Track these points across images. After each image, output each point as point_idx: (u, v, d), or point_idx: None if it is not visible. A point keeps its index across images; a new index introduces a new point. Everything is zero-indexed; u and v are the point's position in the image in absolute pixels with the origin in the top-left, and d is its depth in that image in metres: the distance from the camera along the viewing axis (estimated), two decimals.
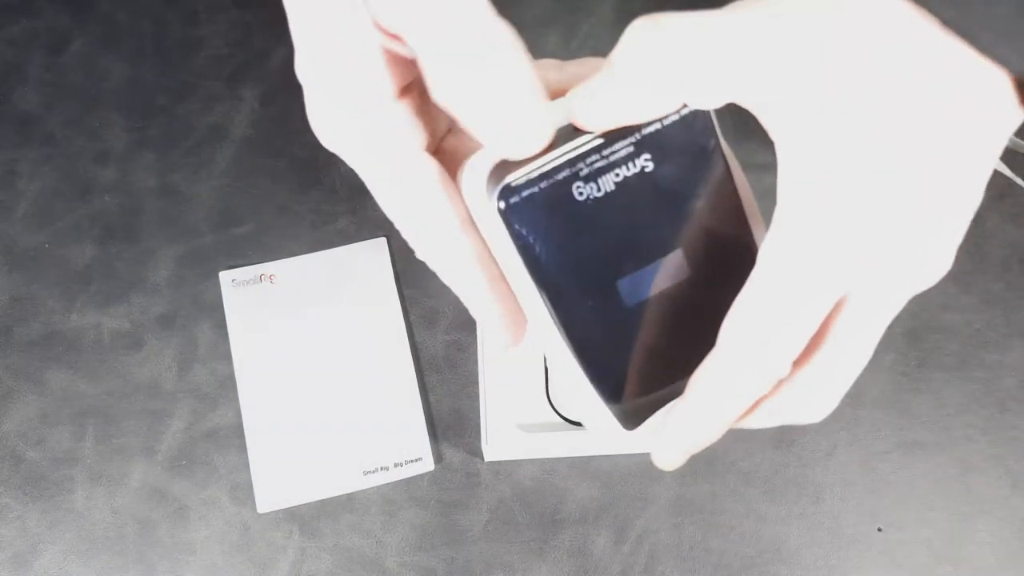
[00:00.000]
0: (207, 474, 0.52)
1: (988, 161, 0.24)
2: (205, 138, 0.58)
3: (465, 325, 0.55)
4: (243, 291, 0.55)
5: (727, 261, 0.27)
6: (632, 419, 0.26)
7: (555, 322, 0.25)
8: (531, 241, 0.25)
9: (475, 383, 0.49)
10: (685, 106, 0.25)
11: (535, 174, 0.24)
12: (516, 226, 0.25)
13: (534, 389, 0.51)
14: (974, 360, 0.55)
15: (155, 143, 0.58)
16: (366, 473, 0.52)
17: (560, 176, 0.25)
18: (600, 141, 0.25)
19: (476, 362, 0.48)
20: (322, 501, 0.52)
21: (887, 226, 0.24)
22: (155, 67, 0.59)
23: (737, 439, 0.54)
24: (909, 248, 0.25)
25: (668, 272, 0.26)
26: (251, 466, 0.52)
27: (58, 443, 0.53)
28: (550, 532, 0.52)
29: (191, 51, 0.59)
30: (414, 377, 0.54)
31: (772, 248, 0.24)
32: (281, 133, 0.58)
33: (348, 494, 0.52)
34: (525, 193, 0.24)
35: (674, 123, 0.26)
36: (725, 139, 0.27)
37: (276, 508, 0.52)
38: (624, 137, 0.25)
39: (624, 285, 0.26)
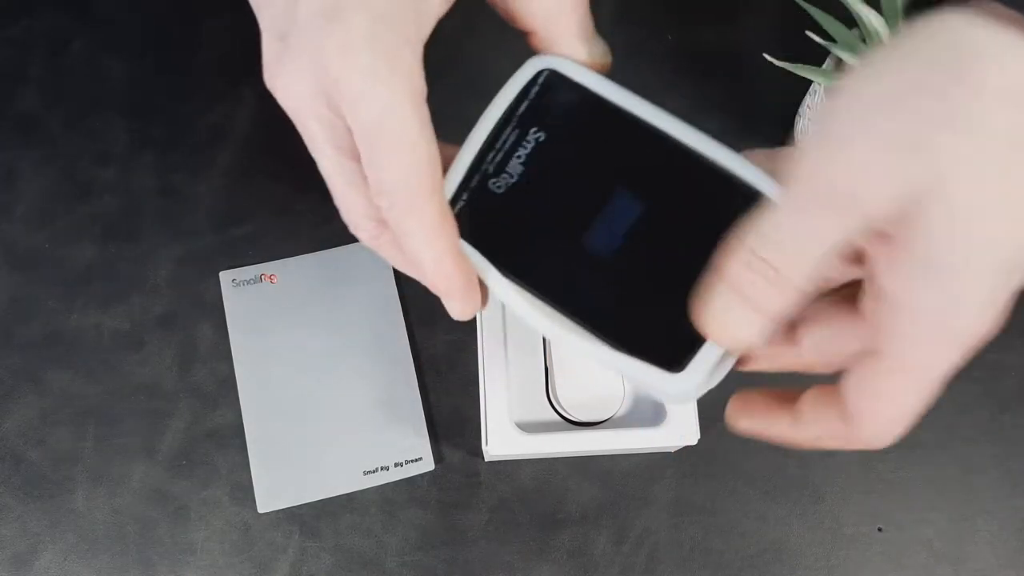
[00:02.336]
0: (207, 474, 0.52)
1: None
2: (205, 138, 0.58)
3: (465, 325, 0.55)
4: (243, 291, 0.55)
5: (668, 177, 0.27)
6: (673, 362, 0.25)
7: (557, 312, 0.26)
8: (492, 247, 0.27)
9: (475, 383, 0.49)
10: (541, 72, 0.28)
11: (451, 195, 0.28)
12: (473, 242, 0.27)
13: (534, 389, 0.51)
14: (974, 360, 0.55)
15: (155, 143, 0.58)
16: (366, 473, 0.52)
17: (473, 183, 0.27)
18: (485, 138, 0.28)
19: (476, 362, 0.48)
20: (322, 501, 0.52)
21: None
22: (155, 67, 0.59)
23: (737, 439, 0.54)
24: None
25: (623, 211, 0.27)
26: (251, 466, 0.52)
27: (58, 443, 0.53)
28: (550, 532, 0.52)
29: (191, 51, 0.59)
30: (414, 377, 0.54)
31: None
32: (281, 133, 0.57)
33: (348, 494, 0.52)
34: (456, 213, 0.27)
35: (538, 91, 0.28)
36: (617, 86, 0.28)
37: (276, 508, 0.52)
38: (505, 126, 0.27)
39: (592, 243, 0.26)
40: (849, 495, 0.53)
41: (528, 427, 0.48)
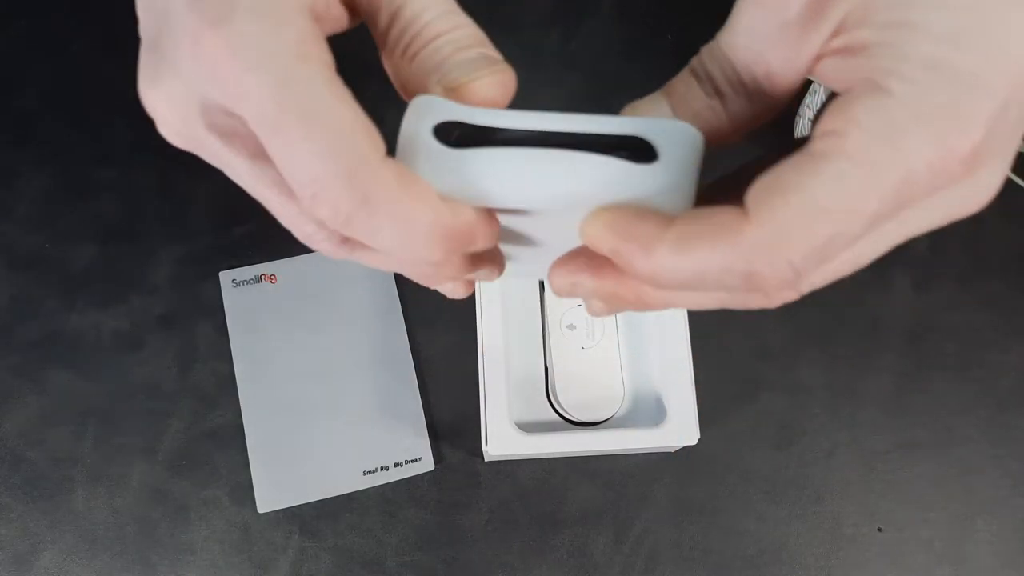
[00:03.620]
0: (207, 474, 0.52)
1: None
2: None
3: (465, 325, 0.55)
4: (243, 291, 0.55)
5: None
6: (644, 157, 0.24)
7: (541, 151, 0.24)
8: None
9: (475, 383, 0.49)
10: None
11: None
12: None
13: (534, 389, 0.51)
14: (974, 360, 0.55)
15: (155, 143, 0.57)
16: (366, 473, 0.52)
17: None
18: None
19: (476, 362, 0.48)
20: (322, 501, 0.52)
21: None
22: None
23: (737, 439, 0.54)
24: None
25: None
26: (251, 466, 0.52)
27: (58, 443, 0.53)
28: (550, 532, 0.52)
29: None
30: (414, 377, 0.54)
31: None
32: None
33: (348, 494, 0.52)
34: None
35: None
36: None
37: (276, 508, 0.52)
38: None
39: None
40: (849, 495, 0.53)
41: (528, 427, 0.48)
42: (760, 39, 0.23)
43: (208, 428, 0.53)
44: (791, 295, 0.23)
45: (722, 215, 0.22)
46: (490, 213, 0.25)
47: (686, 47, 0.67)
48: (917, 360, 0.55)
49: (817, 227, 0.21)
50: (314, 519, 0.52)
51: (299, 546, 0.51)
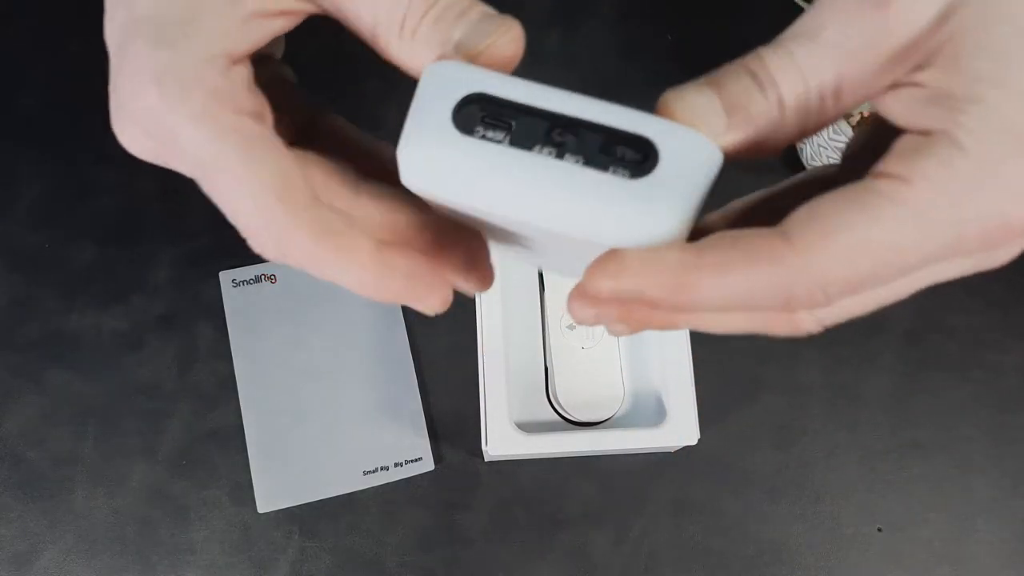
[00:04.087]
0: (207, 474, 0.52)
1: None
2: None
3: (465, 325, 0.55)
4: (243, 291, 0.55)
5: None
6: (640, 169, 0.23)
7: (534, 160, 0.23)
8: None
9: (475, 383, 0.49)
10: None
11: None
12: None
13: (534, 389, 0.51)
14: (974, 360, 0.55)
15: None
16: (366, 473, 0.52)
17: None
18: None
19: (476, 362, 0.48)
20: (322, 501, 0.52)
21: None
22: None
23: (737, 439, 0.54)
24: None
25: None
26: (251, 466, 0.52)
27: (58, 443, 0.53)
28: (550, 532, 0.52)
29: None
30: (414, 377, 0.54)
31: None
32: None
33: (348, 494, 0.52)
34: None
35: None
36: None
37: (276, 508, 0.52)
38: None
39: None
40: (849, 495, 0.53)
41: (528, 427, 0.48)
42: (845, 56, 0.22)
43: (208, 428, 0.53)
44: (815, 327, 0.23)
45: (760, 239, 0.21)
46: (435, 270, 0.25)
47: (686, 47, 0.67)
48: (917, 360, 0.55)
49: (860, 264, 0.21)
50: (314, 519, 0.52)
51: (299, 546, 0.51)
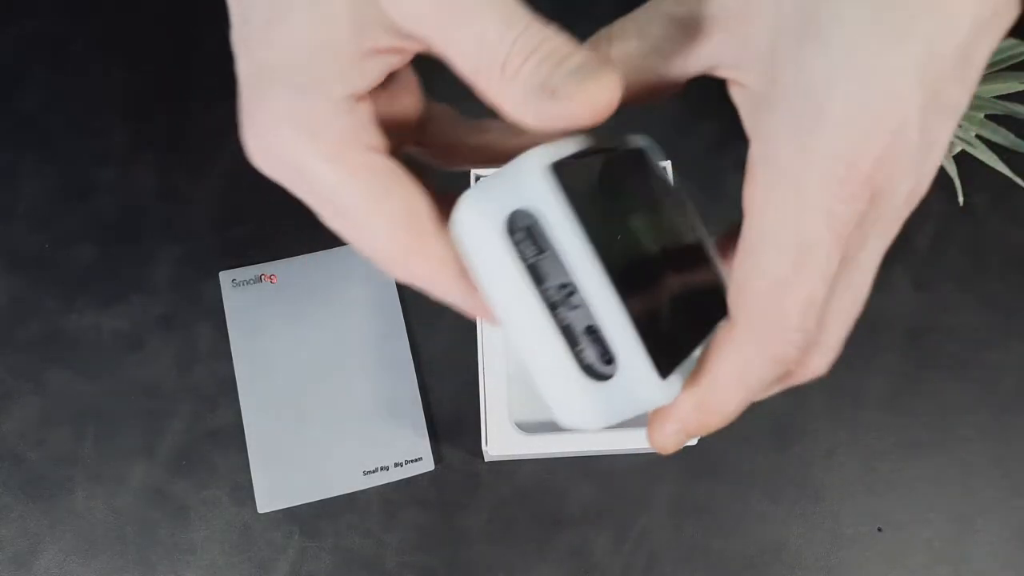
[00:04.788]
0: (207, 474, 0.52)
1: (984, 52, 0.23)
2: (205, 138, 0.58)
3: (465, 325, 0.55)
4: (243, 291, 0.55)
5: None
6: (663, 366, 0.25)
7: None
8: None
9: (475, 383, 0.49)
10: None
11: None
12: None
13: (534, 389, 0.51)
14: (974, 360, 0.55)
15: (155, 143, 0.58)
16: (366, 473, 0.52)
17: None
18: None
19: (476, 362, 0.48)
20: (322, 501, 0.52)
21: (897, 130, 0.22)
22: (155, 67, 0.59)
23: (737, 439, 0.54)
24: (916, 155, 0.22)
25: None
26: (251, 466, 0.52)
27: (58, 443, 0.53)
28: (550, 532, 0.52)
29: (191, 51, 0.59)
30: (414, 377, 0.54)
31: (769, 200, 0.23)
32: None
33: (348, 494, 0.52)
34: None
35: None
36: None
37: (276, 508, 0.52)
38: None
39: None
40: (849, 495, 0.53)
41: (528, 427, 0.48)
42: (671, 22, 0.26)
43: (208, 428, 0.53)
44: (824, 366, 0.26)
45: (718, 340, 0.24)
46: None
47: None
48: (917, 360, 0.55)
49: (787, 303, 0.23)
50: (314, 519, 0.52)
51: (299, 546, 0.51)
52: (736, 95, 0.25)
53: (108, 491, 0.52)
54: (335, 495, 0.52)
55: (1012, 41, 0.49)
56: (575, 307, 0.24)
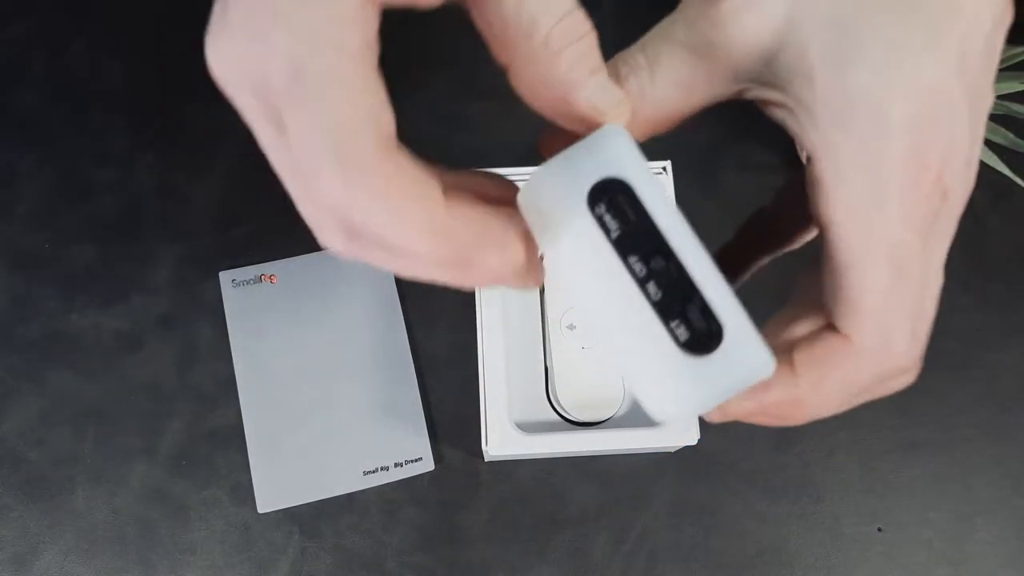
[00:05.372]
0: (207, 474, 0.52)
1: (1000, 44, 0.23)
2: (205, 138, 0.58)
3: (465, 325, 0.55)
4: (243, 291, 0.55)
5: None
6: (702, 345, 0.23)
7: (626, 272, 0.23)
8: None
9: (475, 383, 0.49)
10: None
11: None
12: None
13: (534, 389, 0.51)
14: (974, 360, 0.55)
15: (155, 143, 0.58)
16: (366, 473, 0.52)
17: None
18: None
19: (476, 362, 0.48)
20: (322, 501, 0.52)
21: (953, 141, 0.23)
22: (155, 67, 0.59)
23: (737, 439, 0.54)
24: (965, 161, 0.23)
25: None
26: (251, 466, 0.52)
27: (58, 443, 0.53)
28: (550, 532, 0.52)
29: (191, 51, 0.59)
30: (414, 377, 0.54)
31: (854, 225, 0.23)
32: None
33: (348, 494, 0.52)
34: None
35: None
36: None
37: (276, 508, 0.52)
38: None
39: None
40: (849, 495, 0.53)
41: (528, 427, 0.48)
42: (690, 53, 0.25)
43: (208, 428, 0.53)
44: (912, 376, 0.27)
45: (828, 349, 0.25)
46: (507, 226, 0.23)
47: None
48: None
49: (896, 318, 0.24)
50: (314, 519, 0.52)
51: (299, 546, 0.51)
52: (776, 114, 0.24)
53: (108, 491, 0.52)
54: (335, 495, 0.52)
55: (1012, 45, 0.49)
56: (665, 280, 0.22)
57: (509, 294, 0.51)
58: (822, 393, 0.25)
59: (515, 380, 0.50)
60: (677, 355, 0.22)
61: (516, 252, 0.23)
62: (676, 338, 0.22)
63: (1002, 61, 0.51)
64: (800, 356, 0.25)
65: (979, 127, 0.23)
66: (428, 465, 0.52)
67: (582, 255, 0.22)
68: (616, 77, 0.25)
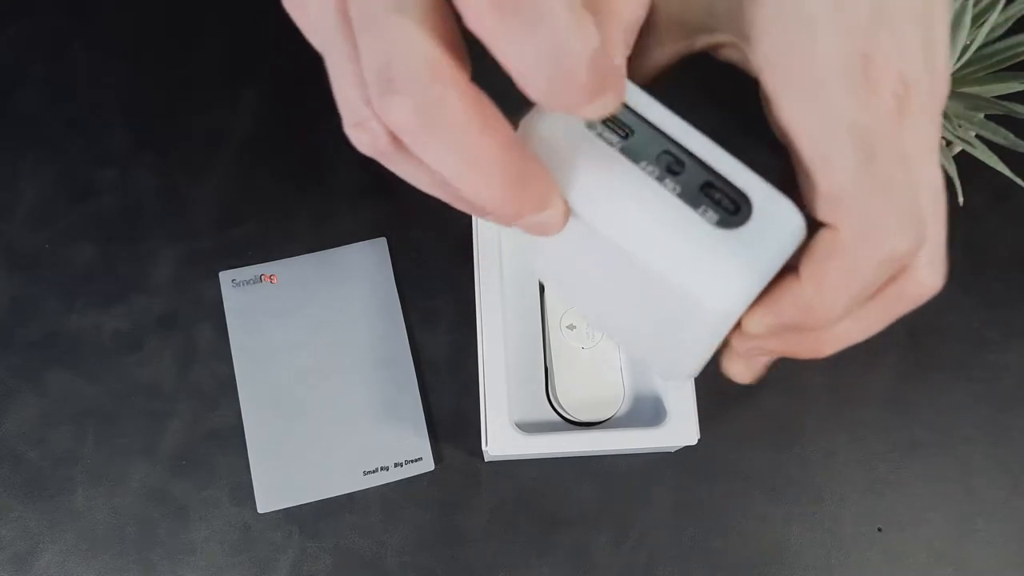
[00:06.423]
0: (207, 474, 0.52)
1: None
2: (205, 138, 0.58)
3: (465, 325, 0.55)
4: (243, 291, 0.55)
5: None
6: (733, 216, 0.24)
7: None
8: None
9: (475, 383, 0.49)
10: None
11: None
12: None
13: (534, 389, 0.51)
14: (974, 360, 0.55)
15: (155, 143, 0.58)
16: (366, 473, 0.52)
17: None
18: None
19: (476, 362, 0.48)
20: (322, 501, 0.52)
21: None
22: (155, 67, 0.59)
23: (737, 439, 0.54)
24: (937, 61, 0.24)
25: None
26: (251, 466, 0.52)
27: (58, 443, 0.53)
28: (550, 532, 0.52)
29: (191, 51, 0.59)
30: (414, 377, 0.54)
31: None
32: (281, 133, 0.58)
33: (348, 494, 0.52)
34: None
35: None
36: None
37: (276, 508, 0.52)
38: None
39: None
40: (849, 495, 0.53)
41: (528, 427, 0.48)
42: None
43: (208, 428, 0.53)
44: (934, 271, 0.28)
45: (821, 247, 0.25)
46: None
47: None
48: (917, 360, 0.55)
49: (877, 197, 0.24)
50: (314, 519, 0.52)
51: (299, 546, 0.51)
52: (726, 55, 0.26)
53: (108, 491, 0.52)
54: (335, 495, 0.52)
55: (1012, 40, 0.49)
56: (681, 172, 0.23)
57: (509, 294, 0.51)
58: (826, 292, 0.25)
59: (515, 380, 0.50)
60: (716, 234, 0.22)
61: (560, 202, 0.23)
62: (709, 220, 0.22)
63: (1002, 61, 0.51)
64: (802, 260, 0.25)
65: (938, 25, 0.24)
66: (428, 465, 0.52)
67: (595, 174, 0.22)
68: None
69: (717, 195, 0.23)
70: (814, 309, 0.25)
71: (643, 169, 0.23)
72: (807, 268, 0.25)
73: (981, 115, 0.52)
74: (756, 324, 0.26)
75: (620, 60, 0.23)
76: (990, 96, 0.51)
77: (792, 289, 0.25)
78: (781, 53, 0.23)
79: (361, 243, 0.56)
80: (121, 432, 0.53)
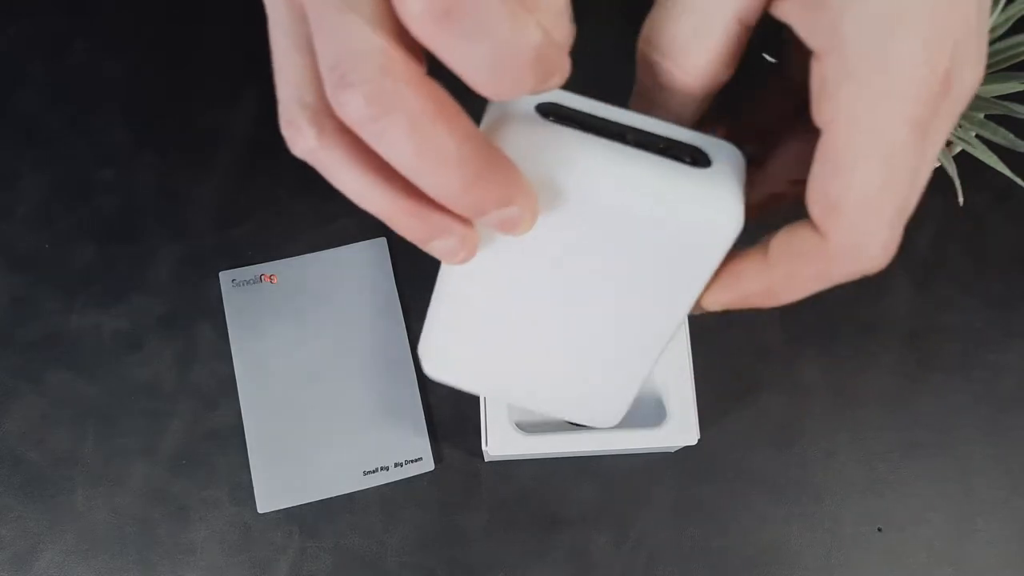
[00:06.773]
0: (207, 474, 0.52)
1: None
2: (205, 138, 0.58)
3: None
4: (243, 291, 0.55)
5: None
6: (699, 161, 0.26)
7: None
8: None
9: None
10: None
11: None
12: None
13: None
14: (974, 360, 0.55)
15: (155, 143, 0.58)
16: (366, 473, 0.52)
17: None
18: None
19: None
20: (322, 501, 0.52)
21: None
22: (155, 67, 0.59)
23: (737, 439, 0.54)
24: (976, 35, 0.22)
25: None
26: (251, 466, 0.52)
27: (58, 443, 0.53)
28: (550, 532, 0.52)
29: (191, 51, 0.59)
30: (414, 377, 0.54)
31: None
32: (281, 133, 0.58)
33: (348, 494, 0.52)
34: None
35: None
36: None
37: (276, 508, 0.52)
38: None
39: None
40: (849, 495, 0.53)
41: (528, 427, 0.48)
42: None
43: (208, 428, 0.53)
44: (886, 252, 0.25)
45: (800, 244, 0.25)
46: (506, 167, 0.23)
47: None
48: (917, 360, 0.55)
49: (878, 219, 0.23)
50: (314, 519, 0.52)
51: (299, 546, 0.51)
52: (784, 10, 0.23)
53: (108, 491, 0.52)
54: (335, 495, 0.52)
55: (1012, 40, 0.49)
56: (641, 142, 0.24)
57: None
58: (793, 286, 0.25)
59: None
60: (700, 173, 0.24)
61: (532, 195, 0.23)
62: (688, 165, 0.24)
63: (1002, 61, 0.51)
64: (775, 248, 0.25)
65: (985, 15, 0.23)
66: (428, 465, 0.52)
67: (570, 150, 0.24)
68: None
69: (677, 151, 0.25)
70: (777, 295, 0.26)
71: (612, 140, 0.24)
72: (780, 261, 0.25)
73: (981, 115, 0.52)
74: (719, 298, 0.27)
75: (563, 39, 0.22)
76: (990, 96, 0.51)
77: (759, 271, 0.25)
78: (860, 39, 0.21)
79: (361, 243, 0.56)
80: (121, 432, 0.53)
